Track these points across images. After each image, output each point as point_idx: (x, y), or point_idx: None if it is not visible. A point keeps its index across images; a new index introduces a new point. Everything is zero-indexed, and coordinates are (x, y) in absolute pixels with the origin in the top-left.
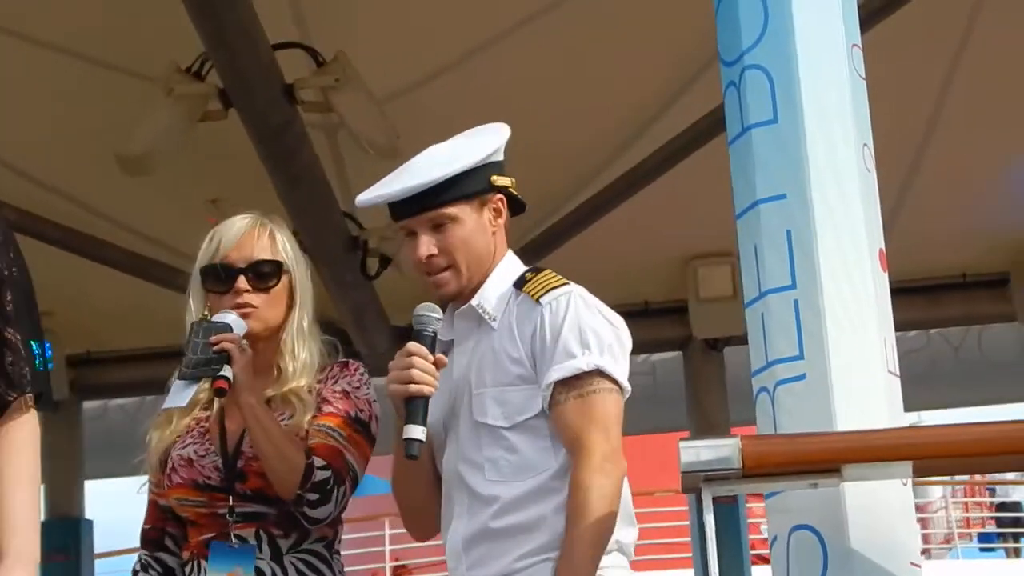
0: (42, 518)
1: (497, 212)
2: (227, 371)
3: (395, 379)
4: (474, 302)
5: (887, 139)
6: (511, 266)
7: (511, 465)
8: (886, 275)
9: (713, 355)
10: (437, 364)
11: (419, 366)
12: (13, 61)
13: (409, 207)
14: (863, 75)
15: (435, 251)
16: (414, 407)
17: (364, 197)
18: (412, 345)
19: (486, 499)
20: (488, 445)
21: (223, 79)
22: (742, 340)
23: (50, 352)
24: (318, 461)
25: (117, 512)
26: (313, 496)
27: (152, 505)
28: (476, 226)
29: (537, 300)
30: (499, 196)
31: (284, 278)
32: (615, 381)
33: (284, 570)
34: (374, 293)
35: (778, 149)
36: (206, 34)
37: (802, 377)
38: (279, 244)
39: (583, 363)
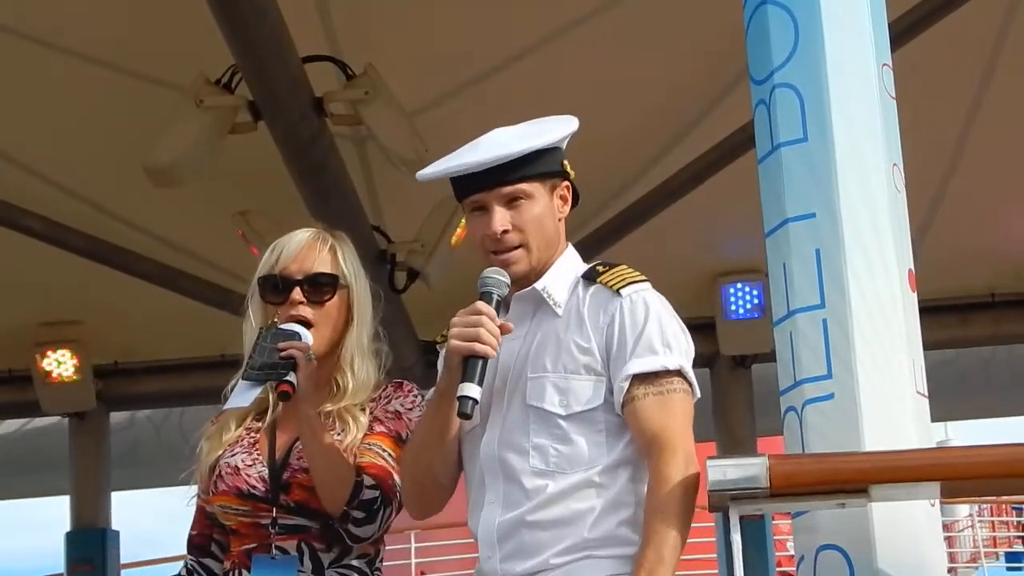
0: (68, 528)
1: (564, 200)
2: (292, 377)
3: (460, 335)
4: (538, 286)
5: (916, 159)
6: (575, 258)
7: (560, 456)
8: (915, 295)
9: (740, 372)
10: (502, 329)
11: (488, 327)
12: (43, 71)
13: (484, 180)
14: (893, 95)
15: (509, 226)
16: (474, 366)
17: (431, 170)
18: (481, 304)
19: (528, 490)
20: (537, 432)
21: (253, 92)
22: (769, 357)
23: (78, 363)
24: (367, 480)
25: (143, 523)
26: (359, 514)
27: (200, 512)
28: (548, 209)
29: (617, 291)
30: (567, 184)
31: (341, 293)
32: (692, 386)
33: None
34: (401, 307)
35: (808, 168)
36: (236, 46)
37: (830, 397)
38: (339, 258)
39: (668, 361)
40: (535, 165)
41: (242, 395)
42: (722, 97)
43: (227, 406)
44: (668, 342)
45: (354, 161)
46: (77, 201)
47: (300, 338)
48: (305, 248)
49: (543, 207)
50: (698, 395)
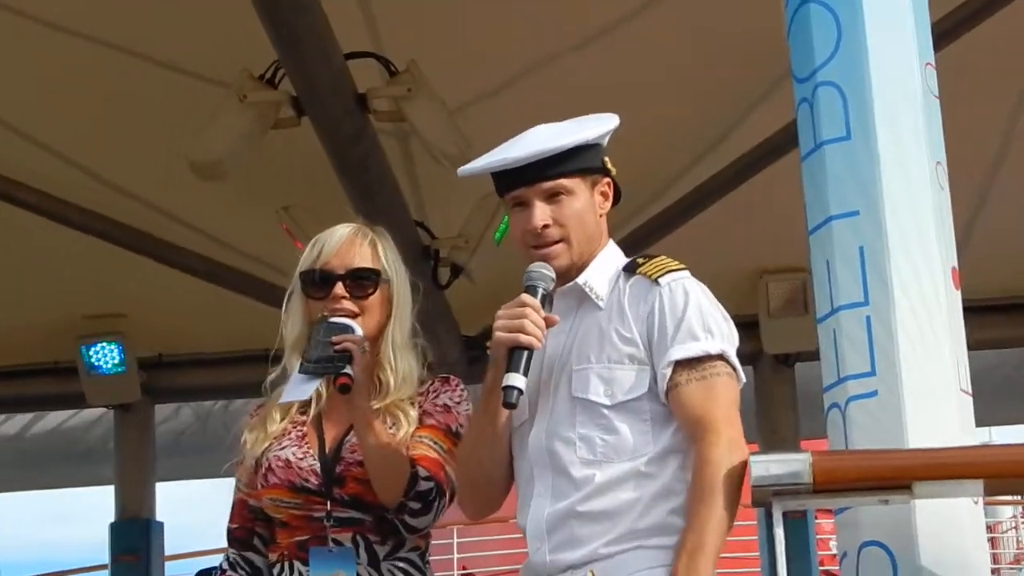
0: (112, 519)
1: (605, 196)
2: (350, 369)
3: (505, 327)
4: (580, 281)
5: (962, 157)
6: (616, 252)
7: (607, 445)
8: (958, 293)
9: (784, 370)
10: (548, 322)
11: (532, 318)
12: (87, 65)
13: (525, 175)
14: (936, 94)
15: (550, 221)
16: (518, 356)
17: (473, 165)
18: (527, 297)
19: (576, 480)
20: (583, 423)
21: (296, 87)
22: (813, 356)
23: (122, 355)
24: (422, 471)
25: (186, 515)
26: (416, 505)
27: (241, 504)
28: (588, 204)
29: (656, 280)
30: (608, 180)
31: (383, 287)
32: (736, 370)
33: None
34: (445, 303)
35: (851, 166)
36: (279, 42)
37: (874, 394)
38: (380, 253)
39: (709, 346)
40: (576, 161)
41: (299, 388)
42: (766, 95)
43: (283, 399)
44: (709, 327)
45: (397, 157)
46: (122, 195)
47: (353, 331)
48: (347, 243)
49: (584, 203)
50: (743, 380)
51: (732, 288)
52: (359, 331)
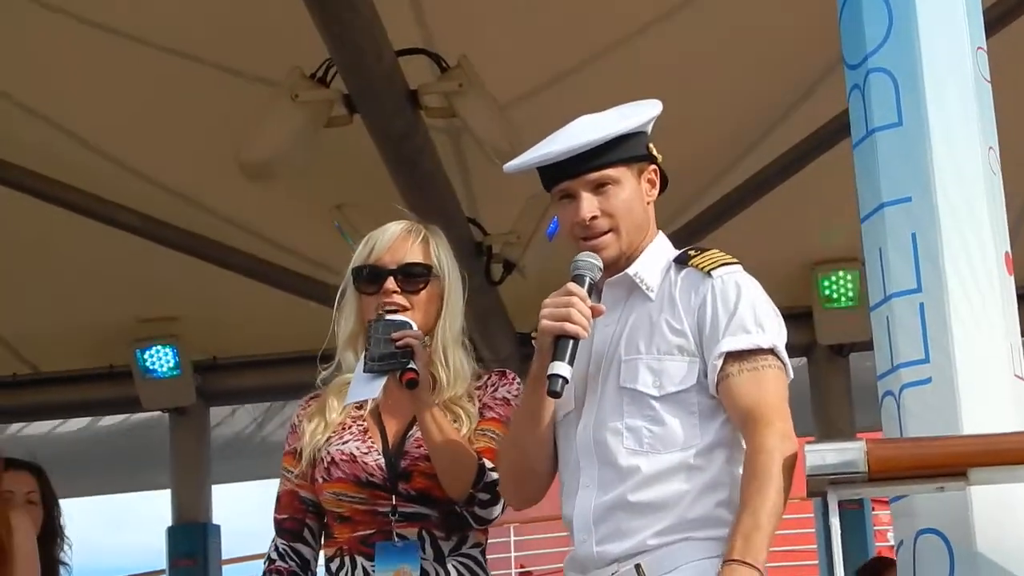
0: (170, 523)
1: (652, 183)
2: (414, 365)
3: (551, 315)
4: (630, 271)
5: (1016, 141)
6: (666, 244)
7: (654, 436)
8: (1011, 278)
9: (838, 361)
10: (594, 312)
11: (579, 307)
12: (140, 67)
13: (569, 168)
14: (988, 78)
15: (598, 212)
16: (564, 345)
17: (517, 161)
18: (573, 286)
19: (624, 470)
20: (631, 413)
21: (348, 85)
22: (867, 346)
23: (177, 358)
24: (488, 463)
25: (244, 518)
26: (485, 496)
27: (291, 496)
28: (635, 193)
29: (708, 273)
30: (653, 167)
31: (434, 283)
32: (785, 365)
33: (447, 572)
34: (498, 299)
35: (903, 152)
36: (330, 40)
37: (928, 381)
38: (431, 249)
39: (761, 340)
40: (620, 150)
41: (366, 387)
42: (817, 84)
43: (349, 399)
44: (760, 322)
45: (449, 154)
46: (174, 196)
47: (411, 327)
48: (399, 239)
49: (631, 191)
50: (791, 376)
51: (784, 280)
52: (416, 326)
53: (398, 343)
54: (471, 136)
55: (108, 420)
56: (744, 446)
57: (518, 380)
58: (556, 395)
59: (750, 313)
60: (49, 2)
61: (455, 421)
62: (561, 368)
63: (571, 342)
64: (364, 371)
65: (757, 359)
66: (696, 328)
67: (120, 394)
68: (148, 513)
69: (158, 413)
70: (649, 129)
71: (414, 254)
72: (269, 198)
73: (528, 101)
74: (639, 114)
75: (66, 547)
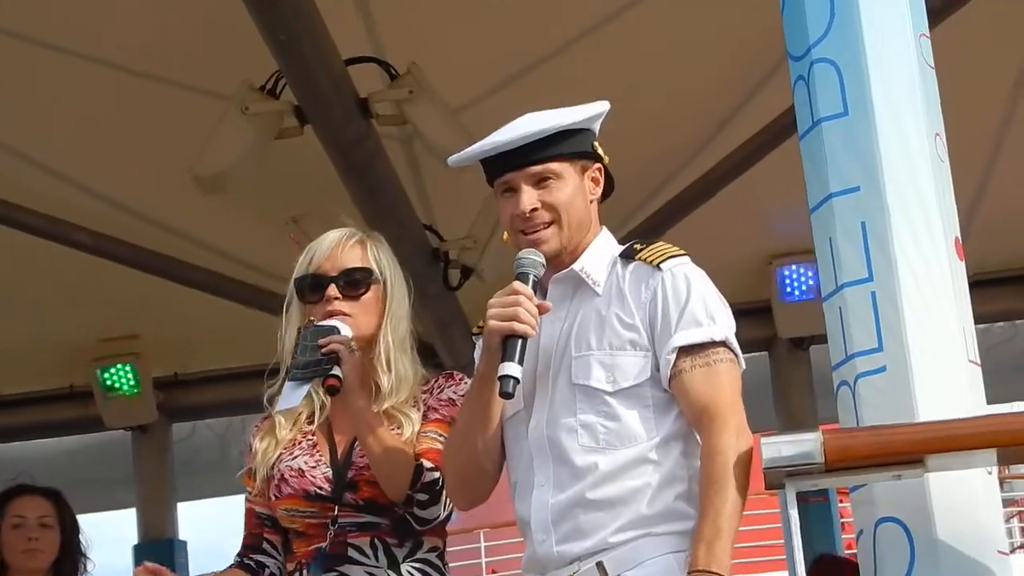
0: (136, 540)
1: (596, 182)
2: (338, 370)
3: (498, 315)
4: (576, 267)
5: (966, 129)
6: (610, 239)
7: (609, 432)
8: (963, 264)
9: (799, 354)
10: (540, 309)
11: (525, 306)
12: (88, 84)
13: (512, 160)
14: (932, 64)
15: (538, 204)
16: (513, 345)
17: (462, 154)
18: (518, 284)
19: (580, 468)
20: (584, 410)
21: (297, 96)
22: (827, 338)
23: (137, 376)
24: (427, 463)
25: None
26: (423, 496)
27: (249, 514)
28: (578, 189)
29: (657, 266)
30: (598, 165)
31: (375, 287)
32: (737, 356)
33: None
34: (457, 304)
35: (849, 141)
36: (279, 52)
37: (882, 369)
38: (370, 253)
39: (714, 332)
40: (563, 145)
41: (290, 396)
42: (766, 80)
43: (277, 408)
44: (712, 314)
45: (402, 161)
46: (128, 214)
47: (339, 332)
48: (337, 246)
49: (573, 187)
50: (743, 366)
51: (743, 274)
52: (346, 332)
53: (324, 349)
54: (423, 142)
55: (71, 440)
56: (699, 439)
57: (466, 380)
58: (508, 396)
59: (701, 306)
60: (2, 25)
61: (397, 427)
62: (512, 368)
63: (520, 341)
64: (288, 379)
65: (710, 353)
66: (648, 322)
67: (82, 414)
68: (113, 534)
69: (120, 431)
70: (595, 128)
71: (354, 259)
72: (225, 212)
73: (479, 106)
74: (584, 111)
75: (90, 567)
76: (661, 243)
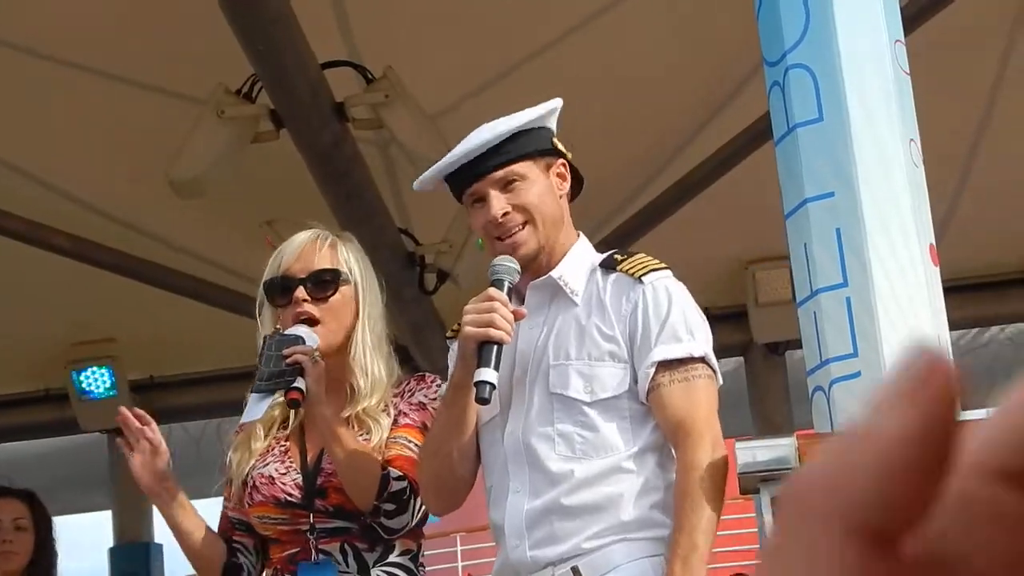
0: (112, 543)
1: (562, 177)
2: (300, 383)
3: (474, 322)
4: (554, 274)
5: (942, 135)
6: (588, 247)
7: (586, 442)
8: (937, 269)
9: (775, 359)
10: (516, 315)
11: (501, 312)
12: (62, 88)
13: (474, 170)
14: (907, 70)
15: (508, 208)
16: (489, 351)
17: (424, 176)
18: (494, 290)
19: (555, 475)
20: (561, 419)
21: (273, 100)
22: (802, 343)
23: (113, 378)
24: (394, 472)
25: None
26: (390, 506)
27: (222, 518)
28: (545, 186)
29: (639, 279)
30: (562, 161)
31: (345, 288)
32: (715, 373)
33: None
34: (433, 309)
35: (824, 147)
36: (254, 55)
37: (857, 375)
38: (339, 254)
39: (693, 348)
40: (522, 145)
41: (254, 408)
42: (742, 85)
43: (241, 420)
44: (691, 329)
45: (378, 165)
46: (103, 217)
47: (303, 342)
48: (306, 248)
49: (541, 185)
50: (720, 382)
51: (719, 279)
52: (311, 341)
53: (287, 360)
54: (399, 146)
55: (46, 443)
56: (674, 452)
57: (438, 382)
58: (485, 402)
59: (681, 320)
60: None
61: (366, 433)
62: (489, 374)
63: (496, 347)
64: (252, 391)
65: (688, 368)
66: (628, 334)
67: (58, 416)
68: (88, 538)
69: (96, 434)
70: (551, 124)
71: (322, 261)
72: (201, 216)
73: (455, 111)
74: (537, 109)
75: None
76: (642, 255)
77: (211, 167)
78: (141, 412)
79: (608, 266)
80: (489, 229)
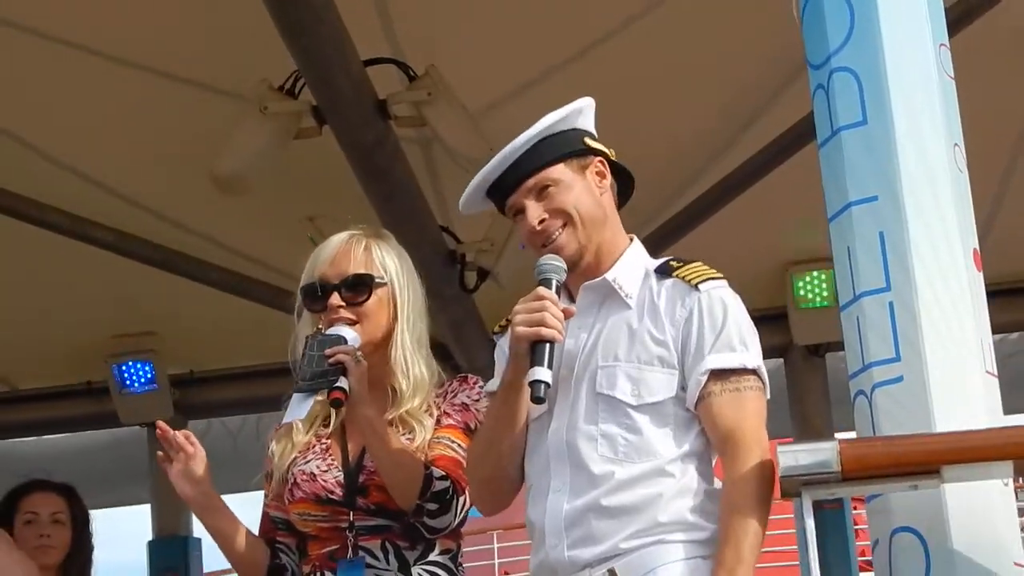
0: (150, 537)
1: (600, 175)
2: (343, 382)
3: (525, 321)
4: (608, 276)
5: (985, 139)
6: (642, 251)
7: (629, 445)
8: (981, 274)
9: (815, 361)
10: (565, 314)
11: (552, 311)
12: (107, 83)
13: (508, 182)
14: (952, 74)
15: (545, 215)
16: (542, 350)
17: (462, 200)
18: (543, 289)
19: (596, 476)
20: (606, 420)
21: (316, 96)
22: (842, 346)
23: (153, 373)
24: (437, 472)
25: None
26: (432, 506)
27: (264, 518)
28: (581, 187)
29: (695, 286)
30: (598, 159)
31: (380, 291)
32: (765, 387)
33: None
34: (473, 307)
35: (868, 150)
36: (298, 52)
37: (899, 379)
38: (375, 257)
39: (747, 360)
40: (552, 149)
41: (297, 407)
42: (785, 87)
43: (285, 419)
44: (745, 341)
45: (420, 163)
46: (147, 212)
47: (345, 341)
48: (341, 251)
49: (577, 186)
50: (768, 396)
51: (759, 281)
52: (353, 340)
53: (329, 360)
54: (441, 144)
55: (87, 435)
56: (712, 459)
57: (480, 383)
58: (541, 401)
59: (736, 331)
60: (18, 22)
61: (409, 432)
62: (543, 373)
63: (548, 346)
64: (294, 391)
65: (740, 379)
66: (680, 341)
67: (98, 410)
68: (127, 531)
69: (136, 428)
70: (582, 124)
71: (356, 265)
72: (242, 211)
73: (498, 109)
74: (563, 110)
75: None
76: (699, 263)
77: (253, 163)
78: (183, 433)
79: (664, 272)
80: (531, 239)
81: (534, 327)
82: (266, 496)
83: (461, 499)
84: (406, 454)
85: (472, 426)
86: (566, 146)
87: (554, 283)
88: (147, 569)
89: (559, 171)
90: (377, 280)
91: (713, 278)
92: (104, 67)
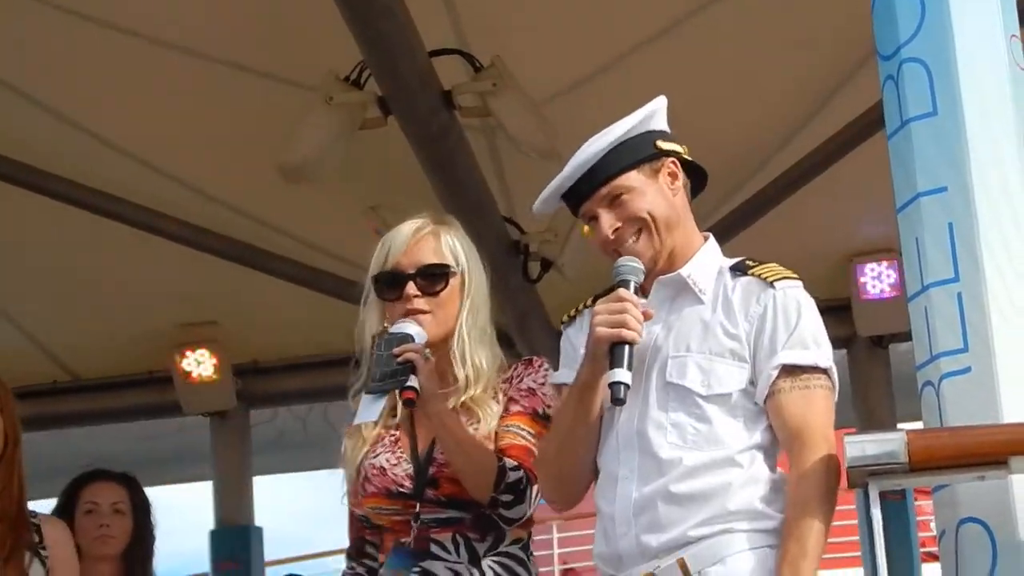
0: (212, 526)
1: (673, 176)
2: (413, 381)
3: (606, 322)
4: (683, 272)
5: None
6: (716, 249)
7: (698, 434)
8: None
9: (878, 352)
10: (644, 315)
11: (632, 313)
12: (176, 73)
13: (582, 189)
14: (1023, 65)
15: (619, 224)
16: (621, 352)
17: (537, 203)
18: (623, 291)
19: (665, 462)
20: (675, 409)
21: (381, 87)
22: (906, 336)
23: (216, 362)
24: (509, 462)
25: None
26: (507, 497)
27: (351, 517)
28: (654, 192)
29: (771, 283)
30: (670, 159)
31: (454, 281)
32: (834, 388)
33: (483, 573)
34: (537, 297)
35: (938, 141)
36: (364, 43)
37: (967, 370)
38: (445, 246)
39: (819, 358)
40: (624, 156)
41: (369, 409)
42: (850, 77)
43: (356, 420)
44: (818, 340)
45: (484, 153)
46: (212, 203)
47: (412, 339)
48: (413, 240)
49: (650, 192)
50: (837, 397)
51: (823, 272)
52: (419, 337)
53: (399, 359)
54: (506, 135)
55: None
56: (777, 452)
57: (545, 365)
58: (621, 402)
59: (809, 330)
60: (90, 14)
61: (476, 421)
62: (623, 375)
63: (627, 348)
64: (365, 392)
65: (810, 377)
66: (753, 336)
67: (161, 399)
68: (191, 519)
69: (198, 417)
70: (653, 126)
71: (429, 254)
72: (307, 201)
73: (562, 99)
74: (635, 116)
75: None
76: (775, 264)
77: (319, 153)
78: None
79: (739, 270)
80: (605, 247)
81: (616, 328)
82: (347, 496)
83: (534, 488)
84: (478, 447)
85: (540, 411)
86: (638, 152)
87: (632, 284)
88: (209, 558)
89: (632, 178)
90: (451, 269)
91: (788, 277)
92: (172, 58)
